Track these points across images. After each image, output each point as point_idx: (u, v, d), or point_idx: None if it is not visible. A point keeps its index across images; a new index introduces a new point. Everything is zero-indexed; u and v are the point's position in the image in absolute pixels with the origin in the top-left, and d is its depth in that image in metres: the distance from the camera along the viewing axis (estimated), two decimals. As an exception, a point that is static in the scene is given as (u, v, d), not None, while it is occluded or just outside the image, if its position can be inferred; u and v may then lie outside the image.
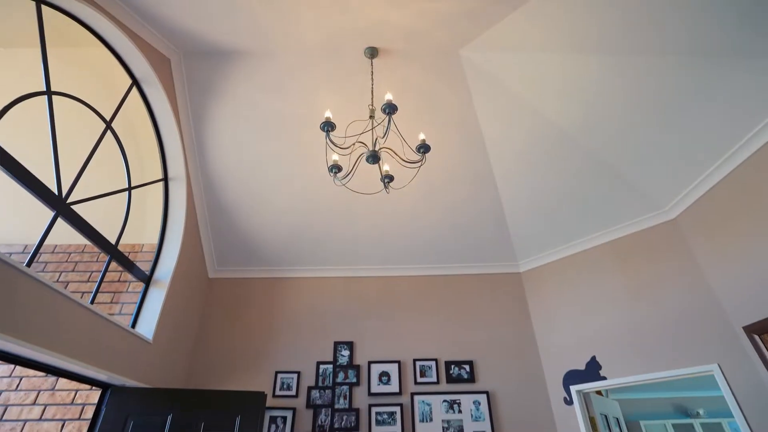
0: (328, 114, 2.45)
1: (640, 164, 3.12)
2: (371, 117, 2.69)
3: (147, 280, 3.11)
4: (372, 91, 2.84)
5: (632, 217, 3.41)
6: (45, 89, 2.17)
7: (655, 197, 3.25)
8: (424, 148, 2.49)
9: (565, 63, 2.82)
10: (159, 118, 3.16)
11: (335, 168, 2.59)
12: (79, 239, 3.74)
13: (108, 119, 2.72)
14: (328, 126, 2.40)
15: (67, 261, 3.68)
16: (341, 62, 3.05)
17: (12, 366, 2.99)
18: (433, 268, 4.10)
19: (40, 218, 3.53)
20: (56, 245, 3.73)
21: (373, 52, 2.98)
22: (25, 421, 2.79)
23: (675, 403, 7.10)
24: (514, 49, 2.87)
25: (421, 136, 2.55)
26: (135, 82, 2.94)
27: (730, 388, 2.59)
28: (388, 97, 2.39)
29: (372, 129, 2.55)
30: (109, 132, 2.80)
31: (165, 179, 3.34)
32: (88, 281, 3.58)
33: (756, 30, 2.22)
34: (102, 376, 2.46)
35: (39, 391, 2.92)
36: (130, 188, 2.91)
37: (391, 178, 2.70)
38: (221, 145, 3.45)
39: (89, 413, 2.89)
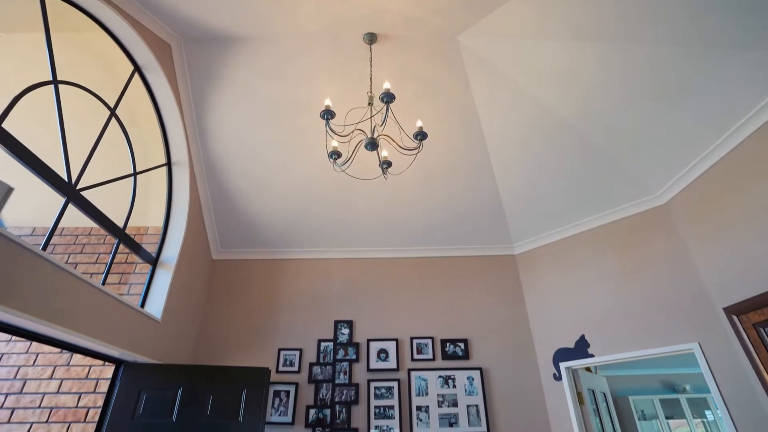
0: (327, 102, 2.51)
1: (633, 151, 3.19)
2: (370, 104, 2.74)
3: (154, 262, 3.23)
4: (371, 77, 2.88)
5: (625, 202, 3.50)
6: (51, 78, 2.23)
7: (647, 183, 3.33)
8: (421, 135, 2.56)
9: (562, 50, 2.86)
10: (161, 103, 3.21)
11: (335, 154, 2.66)
12: (86, 222, 3.84)
13: (112, 106, 2.78)
14: (327, 114, 2.47)
15: (74, 243, 3.79)
16: (340, 48, 3.08)
17: (29, 343, 3.14)
18: (431, 250, 4.22)
19: (46, 201, 3.61)
20: (63, 228, 3.83)
21: (372, 38, 3.00)
22: (44, 394, 2.96)
23: (663, 379, 7.37)
24: (512, 36, 2.90)
25: (419, 124, 2.62)
26: (137, 69, 2.98)
27: (708, 366, 2.74)
28: (386, 86, 2.45)
29: (371, 117, 2.61)
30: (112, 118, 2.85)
31: (168, 164, 3.42)
32: (96, 263, 3.69)
33: (748, 22, 2.26)
34: (114, 352, 2.61)
35: (55, 367, 3.08)
36: (135, 173, 2.99)
37: (389, 164, 2.78)
38: (222, 130, 3.51)
39: (103, 387, 3.06)
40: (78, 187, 2.37)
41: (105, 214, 2.63)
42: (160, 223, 3.84)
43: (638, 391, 7.21)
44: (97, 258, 3.72)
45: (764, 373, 2.37)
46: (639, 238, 3.39)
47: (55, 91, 2.25)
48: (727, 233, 2.75)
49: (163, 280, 3.20)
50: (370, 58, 3.00)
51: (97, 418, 2.90)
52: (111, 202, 3.42)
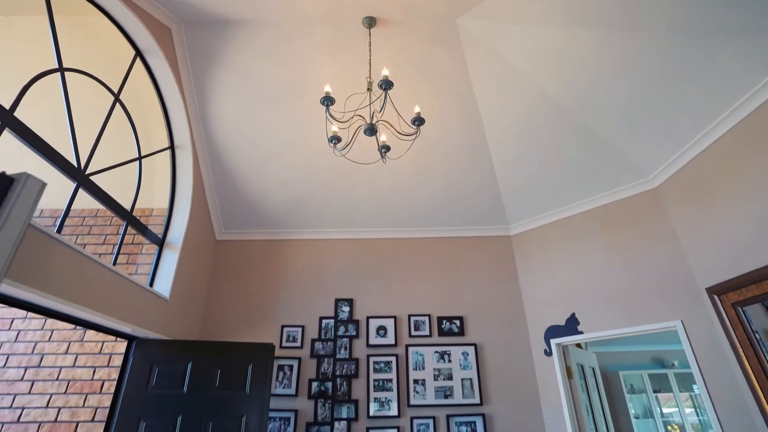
0: (327, 89, 2.56)
1: (628, 136, 3.26)
2: (369, 90, 2.80)
3: (160, 243, 3.34)
4: (370, 62, 2.92)
5: (618, 185, 3.59)
6: (57, 66, 2.28)
7: (641, 167, 3.41)
8: (419, 121, 2.63)
9: (560, 35, 2.89)
10: (163, 88, 3.25)
11: (335, 139, 2.74)
12: (92, 204, 3.94)
13: (116, 91, 2.83)
14: (327, 101, 2.53)
15: (82, 225, 3.89)
16: (340, 32, 3.10)
17: (43, 320, 3.29)
18: (429, 231, 4.33)
19: (52, 184, 3.70)
20: (70, 210, 3.92)
21: (371, 22, 3.02)
22: (61, 367, 3.12)
23: (653, 355, 7.62)
24: (510, 20, 2.92)
25: (416, 109, 2.68)
26: (138, 53, 3.02)
27: (690, 342, 2.89)
28: (385, 73, 2.50)
29: (370, 104, 2.66)
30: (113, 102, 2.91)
31: (171, 147, 3.49)
32: (103, 243, 3.81)
33: (741, 9, 2.29)
34: (126, 328, 2.75)
35: (70, 342, 3.23)
36: (140, 157, 3.07)
37: (387, 148, 2.86)
38: (224, 113, 3.56)
39: (116, 362, 3.23)
40: (87, 172, 2.45)
41: (112, 197, 2.73)
42: (165, 205, 3.93)
43: (629, 366, 7.47)
44: (105, 239, 3.83)
45: (740, 350, 2.52)
46: (630, 221, 3.49)
47: (61, 79, 2.31)
48: (712, 217, 2.85)
49: (170, 260, 3.32)
50: (369, 42, 3.03)
51: (112, 390, 3.08)
52: (116, 185, 3.51)
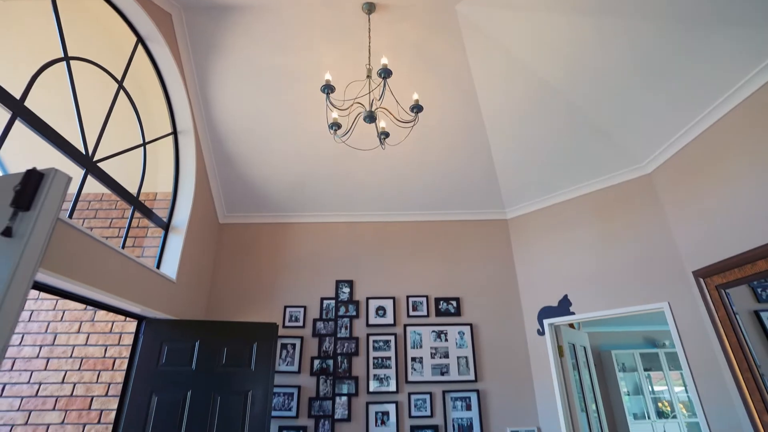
0: (328, 77, 2.61)
1: (623, 123, 3.31)
2: (368, 77, 2.84)
3: (165, 226, 3.44)
4: (369, 49, 2.95)
5: (612, 171, 3.66)
6: (63, 55, 2.32)
7: (635, 153, 3.47)
8: (417, 108, 2.69)
9: (558, 22, 2.91)
10: (165, 74, 3.29)
11: (335, 126, 2.80)
12: (97, 188, 4.01)
13: (119, 78, 2.87)
14: (328, 89, 2.58)
15: (88, 208, 3.98)
16: (339, 17, 3.12)
17: (55, 301, 3.42)
18: (427, 214, 4.42)
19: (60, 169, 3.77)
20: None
21: (370, 8, 3.04)
22: (74, 346, 3.27)
23: (645, 335, 7.83)
24: (509, 7, 2.94)
25: (415, 96, 2.73)
26: (140, 39, 3.04)
27: (675, 323, 3.02)
28: (384, 61, 2.54)
29: (369, 92, 2.71)
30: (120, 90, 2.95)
31: (174, 133, 3.54)
32: (109, 227, 3.91)
33: (735, -2, 2.32)
34: (136, 308, 2.87)
35: (81, 322, 3.37)
36: (144, 143, 3.13)
37: (387, 134, 2.92)
38: (225, 98, 3.60)
39: (126, 340, 3.36)
40: (94, 159, 2.52)
41: (119, 182, 2.81)
42: (168, 189, 4.01)
43: (622, 346, 7.68)
44: (110, 222, 3.93)
45: (721, 329, 2.64)
46: (623, 206, 3.58)
47: (67, 68, 2.35)
48: (701, 203, 2.94)
49: (176, 243, 3.42)
50: (369, 28, 3.05)
51: (123, 367, 3.23)
52: (120, 170, 3.58)
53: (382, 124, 3.03)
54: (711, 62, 2.64)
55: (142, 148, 3.15)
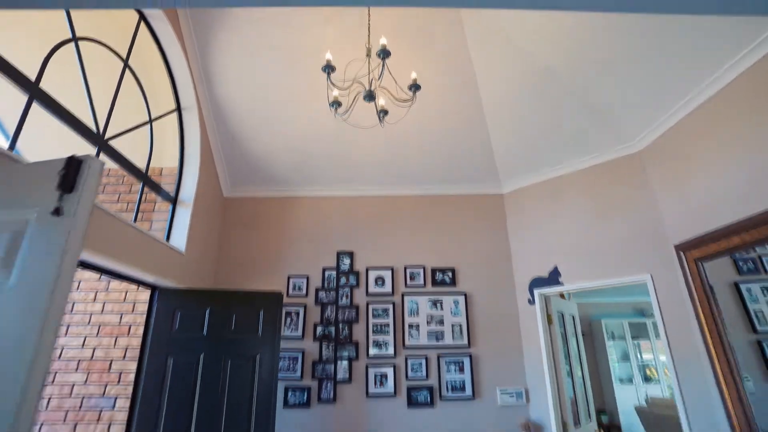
0: (328, 56, 2.68)
1: (614, 101, 3.39)
2: (367, 56, 2.91)
3: (173, 201, 3.58)
4: (369, 27, 3.00)
5: (604, 148, 3.77)
6: (71, 36, 2.39)
7: (626, 132, 3.57)
8: (415, 87, 2.78)
9: (554, 0, 2.95)
10: (167, 51, 3.34)
11: (335, 104, 2.89)
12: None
13: (124, 57, 2.94)
14: (328, 68, 2.66)
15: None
16: (339, -5, 3.14)
17: (71, 271, 3.60)
18: (426, 189, 4.56)
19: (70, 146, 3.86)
20: (84, 168, 4.12)
21: (370, -15, 3.06)
22: (91, 313, 3.48)
23: (634, 306, 8.14)
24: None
25: (413, 76, 2.81)
26: (142, 17, 3.08)
27: (656, 294, 3.22)
28: (383, 41, 2.61)
29: (369, 73, 2.79)
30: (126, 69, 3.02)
31: (178, 109, 3.62)
32: (117, 201, 4.05)
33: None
34: (149, 278, 3.05)
35: (96, 292, 3.56)
36: (150, 120, 3.23)
37: (385, 112, 3.02)
38: (227, 75, 3.66)
39: (140, 308, 3.57)
40: (105, 138, 2.64)
41: (128, 159, 2.92)
42: (174, 164, 4.12)
43: (612, 315, 7.99)
44: (119, 197, 4.06)
45: (697, 300, 2.84)
46: (613, 183, 3.71)
47: (76, 48, 2.43)
48: (686, 181, 3.07)
49: (183, 216, 3.57)
50: (368, 10, 3.08)
51: (139, 333, 3.45)
52: (126, 145, 3.68)
53: (381, 102, 3.12)
54: (704, 41, 2.71)
55: (149, 125, 3.24)
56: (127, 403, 3.13)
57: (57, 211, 1.04)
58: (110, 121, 3.52)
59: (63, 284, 1.02)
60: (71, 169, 1.08)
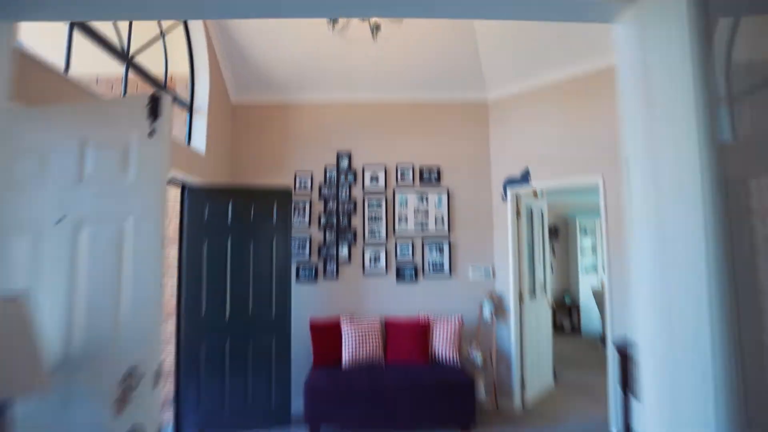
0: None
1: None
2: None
3: (189, 108, 4.01)
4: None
5: (584, 58, 4.07)
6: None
7: (605, 43, 3.85)
8: None
9: None
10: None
11: (333, 20, 3.18)
12: (117, 71, 4.42)
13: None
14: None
15: (112, 90, 4.46)
16: None
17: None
18: (417, 93, 4.93)
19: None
20: (98, 76, 4.43)
21: None
22: (133, 205, 4.16)
23: (608, 202, 8.90)
24: None
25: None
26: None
27: (604, 194, 3.87)
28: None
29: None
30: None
31: (184, 21, 3.84)
32: (136, 106, 4.45)
33: None
34: (180, 175, 3.66)
35: (134, 187, 4.20)
36: (163, 35, 3.51)
37: (378, 27, 3.31)
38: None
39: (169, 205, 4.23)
40: (129, 55, 3.00)
41: (151, 74, 3.30)
42: (178, 69, 4.41)
43: (586, 214, 8.81)
44: (136, 102, 4.45)
45: (629, 195, 3.48)
46: (587, 94, 4.09)
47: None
48: (647, 92, 3.49)
49: (200, 122, 4.04)
50: None
51: (175, 224, 4.17)
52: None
53: (373, 18, 3.36)
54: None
55: (162, 38, 3.53)
56: (172, 281, 3.97)
57: (151, 133, 1.56)
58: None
59: (164, 180, 1.60)
60: (154, 102, 1.58)
